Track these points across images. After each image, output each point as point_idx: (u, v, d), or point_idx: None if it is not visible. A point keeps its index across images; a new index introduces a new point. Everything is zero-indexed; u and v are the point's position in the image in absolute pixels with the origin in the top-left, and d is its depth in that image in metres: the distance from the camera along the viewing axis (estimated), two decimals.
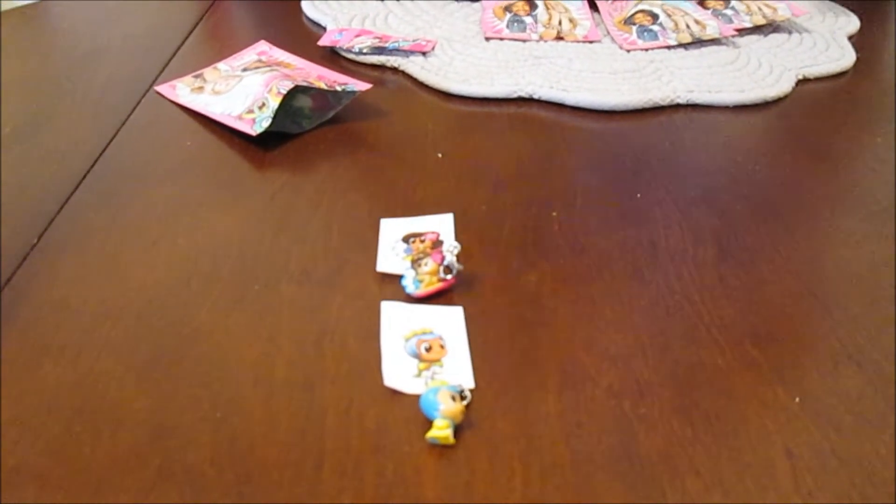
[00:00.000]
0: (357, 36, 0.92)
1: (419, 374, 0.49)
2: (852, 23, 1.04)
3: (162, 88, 0.83)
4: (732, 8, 1.00)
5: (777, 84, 0.86)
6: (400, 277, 0.56)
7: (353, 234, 0.62)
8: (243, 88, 0.78)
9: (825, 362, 0.52)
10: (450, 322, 0.53)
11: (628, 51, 0.93)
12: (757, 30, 0.99)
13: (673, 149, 0.76)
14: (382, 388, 0.48)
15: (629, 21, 0.98)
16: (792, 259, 0.61)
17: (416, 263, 0.56)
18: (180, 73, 0.86)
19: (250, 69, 0.83)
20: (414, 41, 0.92)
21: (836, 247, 0.63)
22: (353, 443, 0.45)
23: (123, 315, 0.53)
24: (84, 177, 0.68)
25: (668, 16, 0.97)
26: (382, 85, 0.85)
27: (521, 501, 0.42)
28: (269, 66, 0.84)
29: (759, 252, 0.62)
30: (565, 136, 0.77)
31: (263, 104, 0.74)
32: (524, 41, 0.94)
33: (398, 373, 0.49)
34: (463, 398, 0.46)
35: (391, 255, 0.59)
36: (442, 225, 0.63)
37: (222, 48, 0.91)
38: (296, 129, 0.76)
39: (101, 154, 0.72)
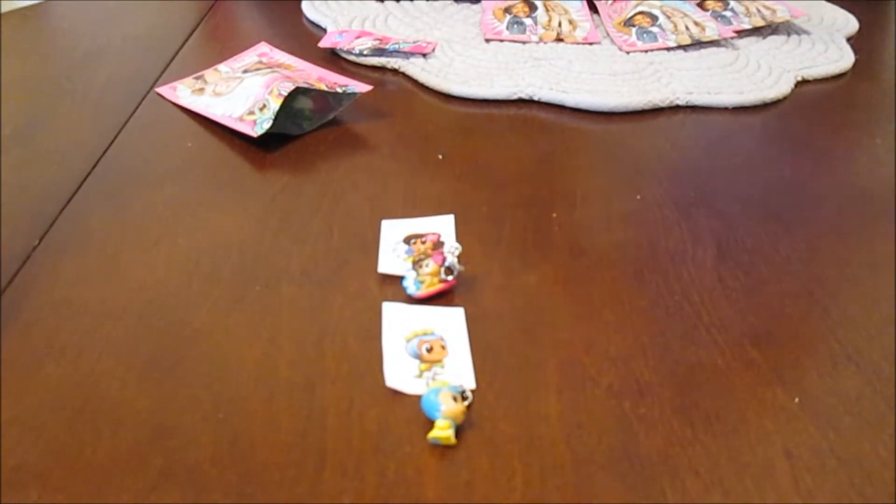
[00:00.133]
0: (357, 37, 0.92)
1: (420, 375, 0.49)
2: (851, 24, 1.04)
3: (162, 90, 0.83)
4: (731, 10, 1.00)
5: (776, 85, 0.87)
6: (401, 278, 0.56)
7: (353, 235, 0.62)
8: (244, 90, 0.78)
9: (824, 363, 0.52)
10: (451, 323, 0.53)
11: (628, 52, 0.93)
12: (756, 31, 0.99)
13: (672, 150, 0.76)
14: (383, 388, 0.49)
15: (629, 23, 0.98)
16: (791, 260, 0.61)
17: (417, 264, 0.56)
18: (181, 75, 0.86)
19: (251, 71, 0.83)
20: (414, 43, 0.92)
21: (836, 247, 0.63)
22: (355, 443, 0.45)
23: (124, 315, 0.54)
24: (85, 178, 0.68)
25: (668, 17, 0.97)
26: (383, 86, 0.86)
27: (521, 501, 0.42)
28: (269, 67, 0.84)
29: (758, 253, 0.62)
30: (565, 138, 0.78)
31: (264, 106, 0.74)
32: (524, 43, 0.95)
33: (399, 373, 0.49)
34: (464, 399, 0.46)
35: (392, 256, 0.59)
36: (443, 226, 0.63)
37: (223, 50, 0.92)
38: (296, 131, 0.76)
39: (102, 155, 0.72)
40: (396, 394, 0.48)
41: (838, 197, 0.70)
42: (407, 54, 0.90)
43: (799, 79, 0.90)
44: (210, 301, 0.55)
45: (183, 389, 0.48)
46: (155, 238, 0.61)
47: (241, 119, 0.75)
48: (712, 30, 0.96)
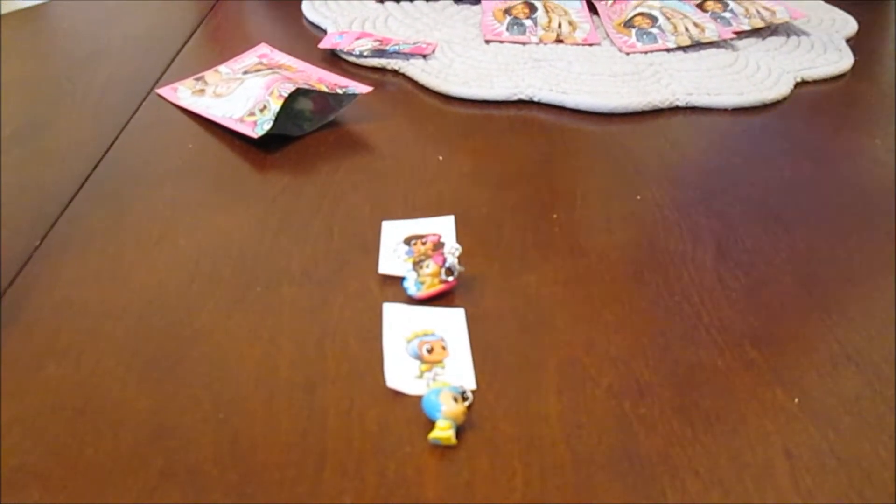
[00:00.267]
0: (357, 39, 0.93)
1: (421, 376, 0.49)
2: (850, 25, 1.04)
3: (163, 91, 0.83)
4: (731, 11, 1.00)
5: (776, 87, 0.87)
6: (401, 279, 0.56)
7: (354, 235, 0.62)
8: (244, 91, 0.78)
9: (824, 363, 0.52)
10: (451, 323, 0.53)
11: (627, 53, 0.93)
12: (755, 32, 0.99)
13: (672, 151, 0.76)
14: (384, 388, 0.49)
15: (628, 24, 0.98)
16: (791, 260, 0.61)
17: (417, 265, 0.56)
18: (181, 76, 0.86)
19: (251, 72, 0.83)
20: (414, 44, 0.92)
21: (835, 248, 0.63)
22: (355, 443, 0.45)
23: (125, 316, 0.54)
24: (86, 179, 0.68)
25: (667, 19, 0.97)
26: (383, 87, 0.86)
27: (521, 501, 0.42)
28: (270, 68, 0.84)
29: (758, 253, 0.62)
30: (565, 139, 0.78)
31: (265, 107, 0.74)
32: (524, 44, 0.95)
33: (400, 374, 0.49)
34: (464, 399, 0.46)
35: (392, 256, 0.59)
36: (443, 227, 0.63)
37: (223, 51, 0.92)
38: (297, 132, 0.76)
39: (102, 156, 0.72)
40: (397, 394, 0.48)
41: (838, 197, 0.70)
42: (407, 55, 0.90)
43: (798, 80, 0.90)
44: (211, 301, 0.55)
45: (183, 390, 0.48)
46: (155, 239, 0.61)
47: (241, 120, 0.75)
48: (712, 31, 0.96)
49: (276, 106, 0.73)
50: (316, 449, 0.45)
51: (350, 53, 0.91)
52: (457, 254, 0.57)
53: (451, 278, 0.56)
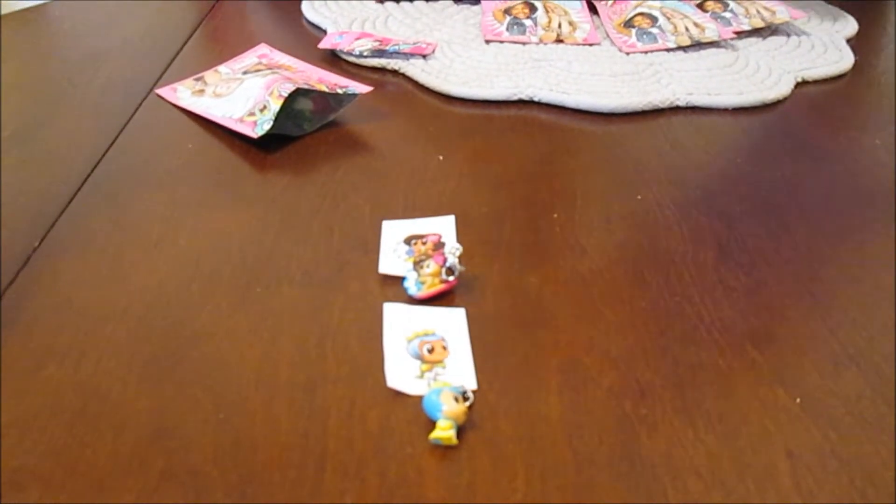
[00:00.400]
0: (357, 39, 0.92)
1: (422, 376, 0.49)
2: (850, 25, 1.04)
3: (163, 91, 0.83)
4: (731, 11, 1.00)
5: (776, 86, 0.87)
6: (402, 279, 0.56)
7: (354, 235, 0.62)
8: (244, 91, 0.78)
9: (825, 363, 0.52)
10: (452, 323, 0.53)
11: (628, 53, 0.93)
12: (755, 32, 0.99)
13: (672, 151, 0.76)
14: (385, 389, 0.48)
15: (628, 24, 0.98)
16: (791, 260, 0.61)
17: (417, 265, 0.56)
18: (181, 76, 0.86)
19: (251, 72, 0.83)
20: (414, 44, 0.92)
21: (836, 248, 0.63)
22: (356, 444, 0.45)
23: (125, 317, 0.54)
24: (85, 179, 0.68)
25: (667, 19, 0.97)
26: (383, 87, 0.86)
27: (522, 502, 0.42)
28: (269, 68, 0.84)
29: (758, 253, 0.62)
30: (565, 139, 0.78)
31: (264, 107, 0.74)
32: (524, 44, 0.95)
33: (401, 374, 0.49)
34: (465, 399, 0.46)
35: (393, 256, 0.59)
36: (443, 227, 0.63)
37: (223, 51, 0.92)
38: (297, 132, 0.76)
39: (102, 156, 0.72)
40: (398, 394, 0.48)
41: (839, 197, 0.70)
42: (407, 55, 0.90)
43: (799, 80, 0.90)
44: (211, 302, 0.55)
45: (184, 390, 0.48)
46: (155, 239, 0.61)
47: (241, 120, 0.75)
48: (712, 31, 0.96)
49: (275, 106, 0.73)
50: (317, 449, 0.45)
51: (350, 53, 0.91)
52: (457, 253, 0.57)
53: (451, 278, 0.56)
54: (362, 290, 0.57)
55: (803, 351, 0.53)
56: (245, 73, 0.83)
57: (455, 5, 1.05)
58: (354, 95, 0.79)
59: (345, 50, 0.91)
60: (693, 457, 0.45)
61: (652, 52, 0.93)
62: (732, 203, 0.68)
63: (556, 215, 0.65)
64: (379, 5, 1.04)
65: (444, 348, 0.51)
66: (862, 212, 0.68)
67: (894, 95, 0.88)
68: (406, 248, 0.60)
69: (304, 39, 0.96)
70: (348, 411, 0.47)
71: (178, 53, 0.92)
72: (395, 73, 0.89)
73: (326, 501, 0.42)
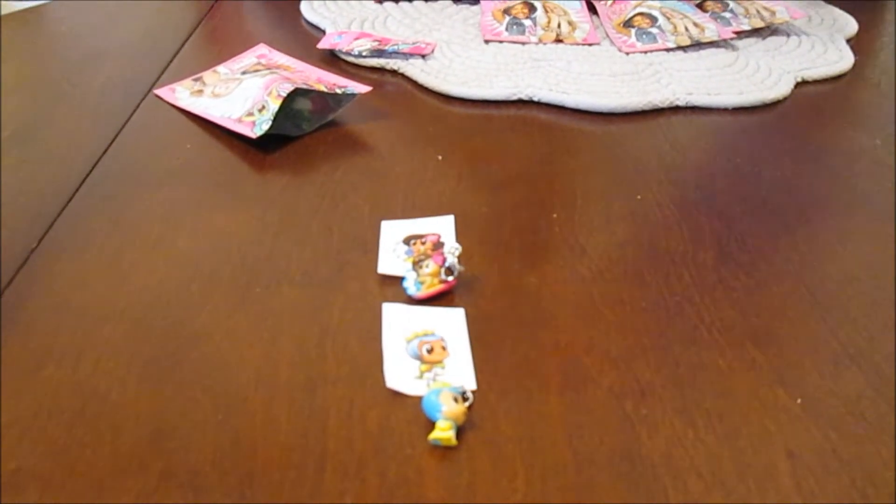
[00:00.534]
0: (356, 39, 0.92)
1: (421, 376, 0.49)
2: (850, 25, 1.04)
3: (161, 92, 0.83)
4: (731, 11, 1.00)
5: (776, 86, 0.87)
6: (401, 279, 0.56)
7: (353, 236, 0.62)
8: (243, 91, 0.78)
9: (826, 363, 0.52)
10: (451, 323, 0.53)
11: (627, 53, 0.93)
12: (755, 32, 0.99)
13: (672, 151, 0.76)
14: (384, 389, 0.48)
15: (628, 24, 0.98)
16: (792, 260, 0.61)
17: (417, 265, 0.56)
18: (179, 77, 0.86)
19: (250, 72, 0.83)
20: (413, 44, 0.92)
21: (836, 248, 0.63)
22: (356, 444, 0.45)
23: (124, 317, 0.53)
24: (84, 179, 0.68)
25: (667, 18, 0.97)
26: (382, 87, 0.85)
27: (523, 502, 0.42)
28: (268, 68, 0.84)
29: (759, 253, 0.62)
30: (565, 139, 0.78)
31: (263, 107, 0.74)
32: (523, 44, 0.95)
33: (400, 374, 0.49)
34: (465, 399, 0.46)
35: (392, 256, 0.59)
36: (443, 227, 0.63)
37: (221, 51, 0.92)
38: (296, 132, 0.76)
39: (100, 157, 0.72)
40: (397, 395, 0.48)
41: (839, 197, 0.70)
42: (406, 55, 0.90)
43: (799, 80, 0.90)
44: (210, 303, 0.55)
45: (183, 391, 0.48)
46: (154, 239, 0.61)
47: (240, 120, 0.75)
48: (712, 31, 0.96)
49: (274, 106, 0.73)
50: (316, 450, 0.44)
51: (349, 53, 0.91)
52: (456, 253, 0.57)
53: (450, 278, 0.56)
54: (361, 290, 0.56)
55: (804, 351, 0.53)
56: (244, 73, 0.83)
57: (454, 5, 1.05)
58: (353, 95, 0.78)
59: (344, 50, 0.91)
60: (693, 457, 0.45)
61: (651, 51, 0.93)
62: (732, 203, 0.68)
63: (555, 215, 0.65)
64: (378, 5, 1.04)
65: (444, 349, 0.51)
66: (862, 211, 0.68)
67: (894, 95, 0.88)
68: (405, 248, 0.60)
69: (302, 39, 0.96)
70: (348, 412, 0.47)
71: (176, 54, 0.92)
72: (394, 73, 0.89)
73: (326, 502, 0.42)
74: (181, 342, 0.52)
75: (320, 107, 0.78)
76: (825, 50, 0.96)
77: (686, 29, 0.96)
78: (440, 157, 0.73)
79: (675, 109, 0.83)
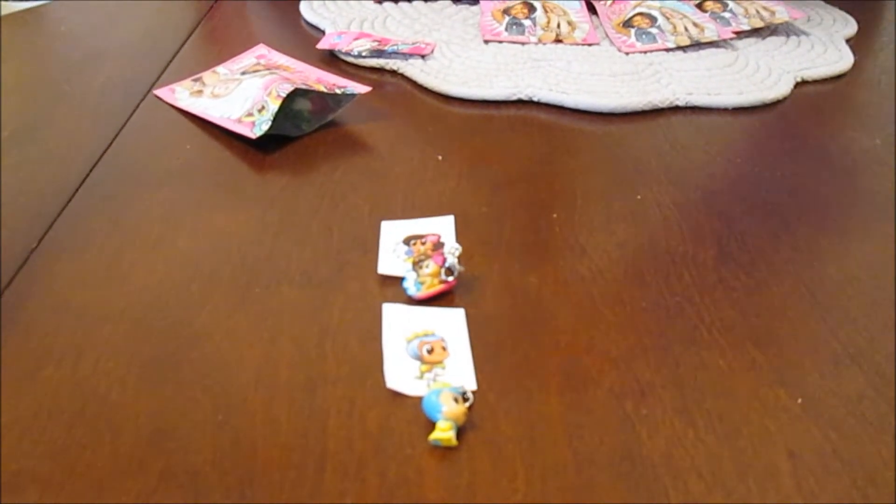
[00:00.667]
0: (356, 39, 0.92)
1: (421, 376, 0.49)
2: (850, 25, 1.04)
3: (161, 92, 0.83)
4: (730, 11, 1.00)
5: (775, 86, 0.87)
6: (401, 279, 0.56)
7: (353, 236, 0.62)
8: (242, 92, 0.78)
9: (826, 364, 0.52)
10: (451, 324, 0.53)
11: (627, 53, 0.93)
12: (755, 32, 0.99)
13: (672, 151, 0.76)
14: (384, 389, 0.48)
15: (627, 24, 0.98)
16: (792, 260, 0.61)
17: (417, 265, 0.56)
18: (179, 77, 0.86)
19: (249, 72, 0.83)
20: (413, 44, 0.92)
21: (836, 248, 0.63)
22: (356, 445, 0.45)
23: (124, 317, 0.53)
24: (84, 180, 0.68)
25: (667, 18, 0.97)
26: (382, 88, 0.85)
27: (523, 502, 0.42)
28: (268, 69, 0.84)
29: (759, 253, 0.62)
30: (565, 139, 0.77)
31: (263, 107, 0.74)
32: (523, 44, 0.95)
33: (400, 375, 0.49)
34: (465, 400, 0.46)
35: (392, 257, 0.59)
36: (443, 227, 0.63)
37: (221, 52, 0.92)
38: (295, 132, 0.76)
39: (100, 157, 0.71)
40: (397, 395, 0.48)
41: (839, 197, 0.70)
42: (406, 55, 0.90)
43: (798, 80, 0.90)
44: (210, 303, 0.55)
45: (183, 391, 0.48)
46: (154, 240, 0.61)
47: (239, 121, 0.75)
48: (711, 31, 0.96)
49: (274, 106, 0.73)
50: (316, 450, 0.44)
51: (348, 54, 0.91)
52: (456, 254, 0.56)
53: (450, 278, 0.56)
54: (361, 290, 0.56)
55: (804, 351, 0.53)
56: (243, 73, 0.83)
57: (454, 5, 1.05)
58: (353, 96, 0.78)
59: (343, 50, 0.91)
60: (694, 457, 0.45)
61: (651, 51, 0.93)
62: (732, 203, 0.68)
63: (555, 215, 0.65)
64: (377, 6, 1.04)
65: (444, 349, 0.51)
66: (862, 211, 0.68)
67: (894, 95, 0.88)
68: (405, 248, 0.60)
69: (302, 40, 0.96)
70: (348, 412, 0.47)
71: (176, 54, 0.92)
72: (393, 73, 0.89)
73: (326, 502, 0.42)
74: (181, 342, 0.51)
75: (320, 107, 0.78)
76: (825, 50, 0.96)
77: (686, 29, 0.96)
78: (440, 158, 0.73)
79: (675, 109, 0.83)
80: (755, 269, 0.60)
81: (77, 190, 0.67)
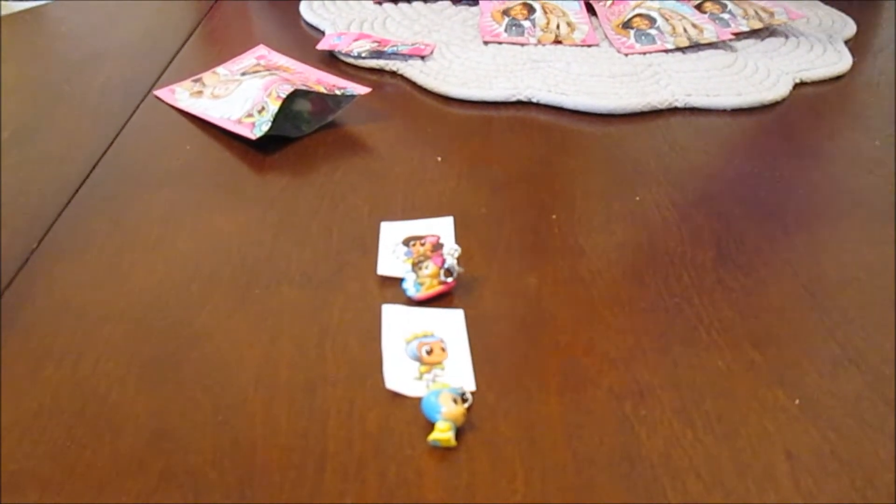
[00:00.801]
0: (356, 40, 0.93)
1: (420, 377, 0.49)
2: (849, 27, 1.05)
3: (161, 93, 0.83)
4: (729, 12, 1.00)
5: (774, 88, 0.87)
6: (400, 280, 0.56)
7: (353, 237, 0.62)
8: (242, 92, 0.78)
9: (824, 364, 0.52)
10: (450, 325, 0.53)
11: (626, 54, 0.93)
12: (754, 34, 0.99)
13: (671, 152, 0.76)
14: (384, 390, 0.48)
15: (627, 25, 0.98)
16: (790, 261, 0.61)
17: (416, 266, 0.56)
18: (179, 78, 0.86)
19: (249, 73, 0.83)
20: (413, 45, 0.92)
21: (835, 249, 0.63)
22: (355, 445, 0.45)
23: (124, 318, 0.54)
24: (84, 181, 0.68)
25: (666, 20, 0.98)
26: (381, 89, 0.86)
27: (522, 502, 0.42)
28: (268, 70, 0.84)
29: (757, 254, 0.62)
30: (564, 140, 0.78)
31: (263, 108, 0.74)
32: (522, 45, 0.95)
33: (399, 375, 0.49)
34: (464, 401, 0.46)
35: (391, 258, 0.59)
36: (442, 228, 0.63)
37: (221, 52, 0.92)
38: (295, 133, 0.76)
39: (100, 158, 0.72)
40: (397, 396, 0.48)
41: (837, 198, 0.70)
42: (405, 56, 0.90)
43: (797, 81, 0.90)
44: (210, 303, 0.55)
45: (183, 392, 0.48)
46: (154, 240, 0.61)
47: (239, 121, 0.75)
48: (710, 32, 0.96)
49: (274, 107, 0.73)
50: (316, 451, 0.44)
51: (348, 55, 0.91)
52: (456, 255, 0.57)
53: (450, 279, 0.56)
54: (361, 291, 0.57)
55: (802, 352, 0.53)
56: (243, 74, 0.83)
57: (453, 6, 1.05)
58: (353, 97, 0.79)
59: (343, 51, 0.91)
60: (692, 457, 0.45)
61: (650, 53, 0.94)
62: (731, 204, 0.68)
63: (554, 216, 0.65)
64: (377, 6, 1.04)
65: (443, 350, 0.51)
66: (861, 212, 0.68)
67: (893, 97, 0.88)
68: (405, 249, 0.60)
69: (302, 40, 0.96)
70: (348, 412, 0.47)
71: (176, 55, 0.92)
72: (393, 74, 0.89)
73: (326, 502, 0.42)
74: (181, 343, 0.52)
75: (320, 108, 0.78)
76: (824, 51, 0.96)
77: (685, 30, 0.96)
78: (439, 159, 0.73)
79: (674, 110, 0.83)
80: (754, 269, 0.60)
81: (77, 190, 0.67)
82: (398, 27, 0.99)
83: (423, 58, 0.90)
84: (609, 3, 1.03)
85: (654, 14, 0.98)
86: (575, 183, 0.71)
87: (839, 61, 0.94)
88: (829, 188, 0.71)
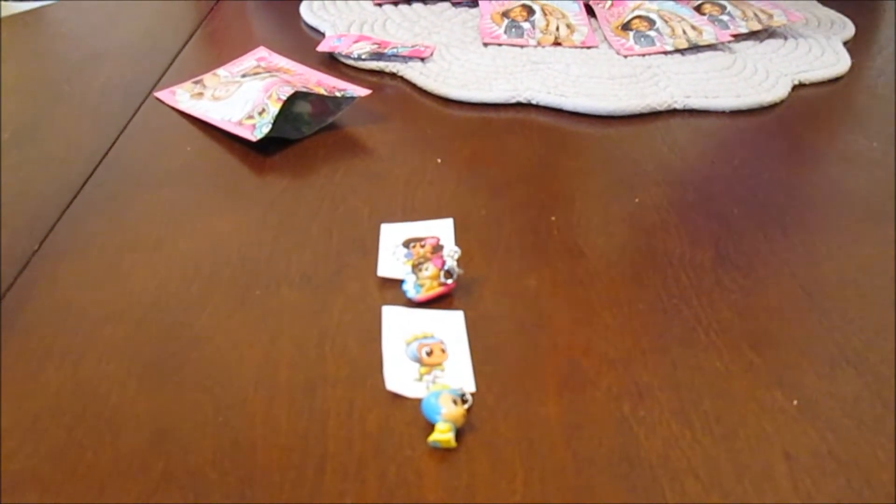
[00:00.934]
0: (356, 42, 0.93)
1: (420, 378, 0.49)
2: (847, 28, 1.05)
3: (161, 94, 0.83)
4: (728, 14, 1.01)
5: (773, 89, 0.87)
6: (400, 282, 0.56)
7: (353, 238, 0.62)
8: (243, 94, 0.78)
9: (823, 365, 0.52)
10: (450, 326, 0.54)
11: (625, 56, 0.94)
12: (753, 35, 1.00)
13: (670, 153, 0.76)
14: (384, 391, 0.49)
15: (626, 27, 0.98)
16: (789, 262, 0.61)
17: (416, 268, 0.56)
18: (179, 79, 0.86)
19: (250, 75, 0.83)
20: (412, 47, 0.92)
21: (833, 250, 0.63)
22: (355, 446, 0.45)
23: (124, 319, 0.54)
24: (84, 182, 0.68)
25: (665, 21, 0.98)
26: (381, 90, 0.86)
27: (521, 503, 0.42)
28: (268, 71, 0.84)
29: (756, 256, 0.62)
30: (564, 141, 0.78)
31: (263, 110, 0.74)
32: (522, 47, 0.95)
33: (399, 376, 0.49)
34: (464, 402, 0.47)
35: (392, 259, 0.59)
36: (442, 230, 0.63)
37: (221, 54, 0.92)
38: (295, 135, 0.76)
39: (101, 159, 0.72)
40: (397, 397, 0.48)
41: (836, 199, 0.70)
42: (405, 58, 0.91)
43: (796, 82, 0.90)
44: (210, 304, 0.55)
45: (184, 393, 0.48)
46: (155, 242, 0.61)
47: (240, 123, 0.75)
48: (709, 34, 0.96)
49: (274, 109, 0.73)
50: (316, 451, 0.45)
51: (348, 56, 0.91)
52: (456, 256, 0.57)
53: (450, 281, 0.56)
54: (361, 292, 0.57)
55: (801, 353, 0.53)
56: (244, 76, 0.84)
57: (453, 8, 1.05)
58: (353, 98, 0.79)
59: (343, 53, 0.91)
60: (691, 458, 0.45)
61: (649, 54, 0.94)
62: (730, 205, 0.68)
63: (554, 218, 0.66)
64: (377, 8, 1.04)
65: (443, 351, 0.51)
66: (859, 214, 0.68)
67: (892, 98, 0.89)
68: (405, 250, 0.60)
69: (302, 42, 0.97)
70: (348, 413, 0.47)
71: (176, 56, 0.92)
72: (393, 76, 0.89)
73: (326, 502, 0.42)
74: (181, 343, 0.52)
75: (320, 110, 0.78)
76: (822, 52, 0.97)
77: (684, 32, 0.96)
78: (439, 160, 0.73)
79: (673, 112, 0.84)
80: (752, 270, 0.60)
81: (78, 192, 0.67)
82: (398, 29, 0.99)
83: (423, 60, 0.91)
84: (608, 4, 1.04)
85: (653, 16, 0.99)
86: (574, 184, 0.71)
87: (838, 63, 0.94)
88: (827, 189, 0.71)
